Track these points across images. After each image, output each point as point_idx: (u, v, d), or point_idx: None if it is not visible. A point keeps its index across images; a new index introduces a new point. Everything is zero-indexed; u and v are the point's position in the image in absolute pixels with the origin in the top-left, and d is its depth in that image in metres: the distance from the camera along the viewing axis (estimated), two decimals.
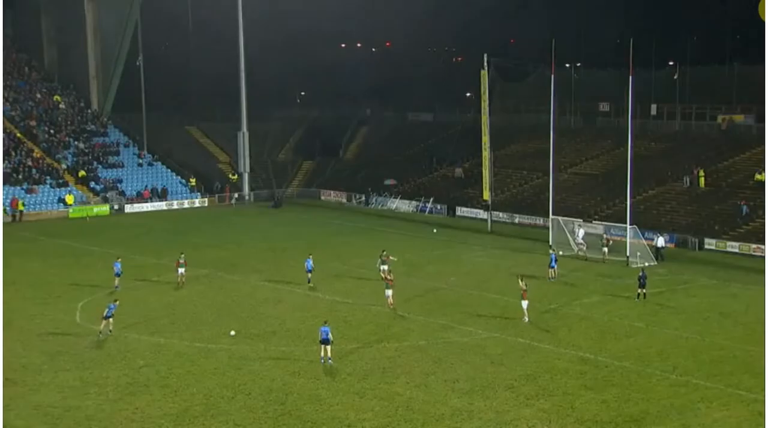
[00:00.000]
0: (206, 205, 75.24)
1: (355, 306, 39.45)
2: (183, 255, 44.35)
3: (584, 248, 51.27)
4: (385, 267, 43.31)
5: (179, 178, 77.60)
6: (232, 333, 34.58)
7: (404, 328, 36.02)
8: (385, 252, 44.45)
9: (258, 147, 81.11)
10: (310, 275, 43.38)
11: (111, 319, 34.02)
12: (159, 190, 74.62)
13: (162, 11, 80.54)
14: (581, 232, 52.81)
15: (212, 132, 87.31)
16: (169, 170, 78.22)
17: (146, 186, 74.53)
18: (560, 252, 51.13)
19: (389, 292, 38.40)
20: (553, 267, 45.22)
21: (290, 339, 34.45)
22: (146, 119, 77.75)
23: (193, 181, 77.47)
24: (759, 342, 33.76)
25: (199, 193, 76.45)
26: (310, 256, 44.37)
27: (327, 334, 31.22)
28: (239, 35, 76.29)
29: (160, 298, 40.82)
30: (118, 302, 35.12)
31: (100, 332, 34.06)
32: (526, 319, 35.88)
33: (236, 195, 77.14)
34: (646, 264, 47.71)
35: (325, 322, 31.81)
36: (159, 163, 78.67)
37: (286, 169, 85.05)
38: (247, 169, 78.30)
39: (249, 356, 32.22)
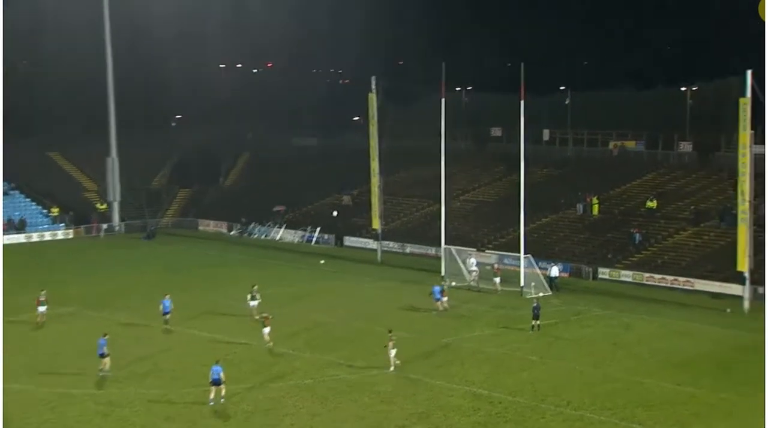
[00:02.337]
0: (71, 236, 72.93)
1: (234, 344, 38.91)
2: (44, 292, 42.91)
3: (476, 276, 52.25)
4: (255, 303, 42.98)
5: (40, 207, 75.10)
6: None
7: (289, 366, 35.76)
8: (255, 288, 44.14)
9: (129, 174, 79.27)
10: (167, 317, 41.98)
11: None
12: (16, 222, 71.96)
13: (19, 27, 77.96)
14: (474, 262, 53.88)
15: (77, 158, 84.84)
16: (29, 199, 75.63)
17: (2, 217, 71.63)
18: (453, 283, 52.06)
19: (266, 330, 38.13)
20: (438, 299, 45.81)
21: (164, 381, 33.63)
22: (1, 143, 74.70)
23: (55, 210, 75.04)
24: (652, 374, 35.17)
25: (63, 224, 74.05)
26: (168, 296, 42.86)
27: (218, 374, 30.91)
28: (107, 53, 74.70)
29: (17, 340, 39.22)
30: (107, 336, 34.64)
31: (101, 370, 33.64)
32: (392, 368, 35.09)
33: (105, 226, 75.15)
34: (540, 294, 49.06)
35: (217, 361, 31.44)
36: (17, 191, 75.90)
37: (161, 198, 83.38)
38: (117, 197, 76.45)
39: (118, 401, 31.27)
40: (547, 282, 51.08)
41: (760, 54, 42.54)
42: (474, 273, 52.57)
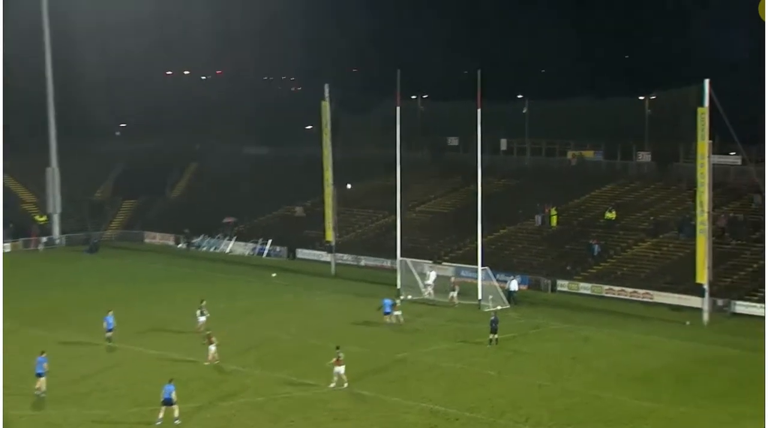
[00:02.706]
0: (9, 250, 71.65)
1: (181, 361, 38.56)
2: None
3: (431, 290, 52.42)
4: (203, 318, 42.69)
5: None
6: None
7: (239, 383, 35.55)
8: (204, 303, 43.82)
9: (70, 184, 78.18)
10: (110, 334, 41.54)
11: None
12: None
13: None
14: (433, 275, 54.05)
15: (15, 168, 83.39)
16: None
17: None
18: (409, 297, 52.20)
19: (212, 348, 37.89)
20: (388, 312, 45.83)
21: (108, 401, 33.23)
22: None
23: None
24: (611, 388, 35.61)
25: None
26: (111, 312, 42.38)
27: (170, 393, 30.79)
28: (46, 59, 73.73)
29: None
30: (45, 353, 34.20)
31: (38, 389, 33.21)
32: (333, 385, 35.00)
33: (44, 239, 73.98)
34: (498, 307, 49.38)
35: (171, 380, 31.30)
36: None
37: (104, 209, 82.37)
38: (58, 209, 75.32)
39: (57, 422, 30.82)
40: (506, 295, 51.42)
41: (717, 63, 43.51)
42: (429, 287, 52.74)
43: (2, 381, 31.99)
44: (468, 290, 51.73)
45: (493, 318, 42.88)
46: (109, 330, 41.60)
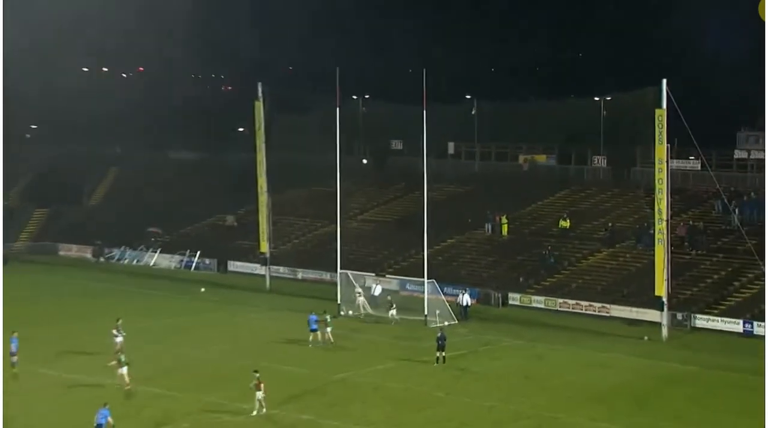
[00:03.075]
0: None
1: (97, 386, 37.82)
2: None
3: (362, 304, 52.14)
4: (120, 339, 42.10)
5: None
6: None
7: (163, 409, 35.07)
8: (120, 322, 43.22)
9: None
10: (15, 358, 40.40)
11: None
12: None
13: None
14: (378, 289, 54.06)
15: None
16: None
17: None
18: (350, 312, 52.10)
19: (124, 370, 37.29)
20: (314, 329, 45.27)
21: None
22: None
23: None
24: (565, 409, 35.86)
25: None
26: (15, 334, 41.21)
27: (105, 418, 30.95)
28: None
29: None
30: None
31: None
32: (255, 413, 34.55)
33: None
34: (446, 323, 49.48)
35: (105, 404, 31.35)
36: None
37: (13, 219, 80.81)
38: None
39: None
40: (460, 311, 51.43)
41: (674, 62, 44.25)
42: (360, 300, 52.62)
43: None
44: (413, 305, 51.75)
45: (439, 334, 42.91)
46: (13, 354, 40.56)
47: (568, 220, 62.65)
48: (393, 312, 51.21)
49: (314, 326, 45.33)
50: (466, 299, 52.80)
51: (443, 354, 42.02)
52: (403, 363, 42.55)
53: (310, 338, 45.25)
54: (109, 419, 30.87)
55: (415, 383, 39.07)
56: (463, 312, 51.88)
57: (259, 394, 34.44)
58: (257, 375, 34.95)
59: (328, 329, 45.61)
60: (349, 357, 43.52)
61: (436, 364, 41.79)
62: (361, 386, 38.51)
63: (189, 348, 44.47)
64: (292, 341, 46.38)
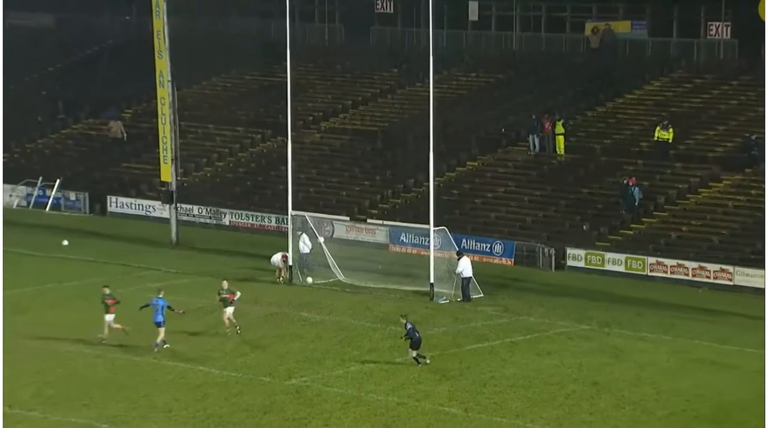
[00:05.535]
0: None
1: None
2: None
3: (279, 262, 53.60)
4: None
5: None
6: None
7: None
8: None
9: None
10: None
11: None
12: None
13: None
14: (302, 246, 54.28)
15: None
16: None
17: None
18: (308, 280, 52.69)
19: None
20: (159, 322, 43.40)
21: None
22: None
23: None
24: None
25: None
26: None
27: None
28: None
29: None
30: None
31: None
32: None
33: None
34: (459, 299, 50.78)
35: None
36: None
37: None
38: None
39: None
40: (462, 287, 51.64)
41: None
42: (276, 260, 53.79)
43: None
44: (410, 268, 52.54)
45: (408, 325, 41.93)
46: None
47: (670, 130, 62.51)
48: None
49: (160, 317, 43.87)
50: (466, 268, 51.88)
51: (415, 353, 41.48)
52: (387, 361, 42.76)
53: (161, 333, 43.79)
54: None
55: (411, 392, 39.20)
56: (464, 290, 51.61)
57: (109, 317, 38.42)
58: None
59: (230, 309, 45.56)
60: (304, 349, 43.93)
61: (417, 365, 41.43)
62: (326, 399, 38.67)
63: (45, 339, 44.87)
64: (211, 326, 46.62)
